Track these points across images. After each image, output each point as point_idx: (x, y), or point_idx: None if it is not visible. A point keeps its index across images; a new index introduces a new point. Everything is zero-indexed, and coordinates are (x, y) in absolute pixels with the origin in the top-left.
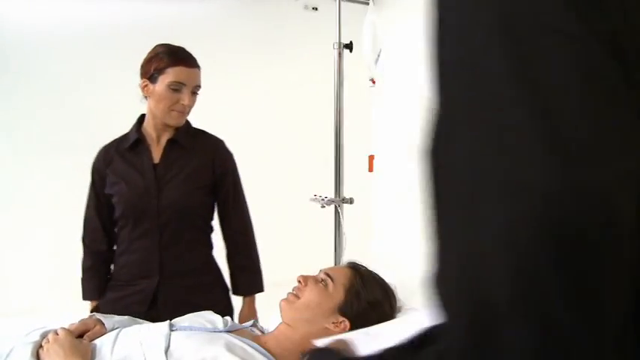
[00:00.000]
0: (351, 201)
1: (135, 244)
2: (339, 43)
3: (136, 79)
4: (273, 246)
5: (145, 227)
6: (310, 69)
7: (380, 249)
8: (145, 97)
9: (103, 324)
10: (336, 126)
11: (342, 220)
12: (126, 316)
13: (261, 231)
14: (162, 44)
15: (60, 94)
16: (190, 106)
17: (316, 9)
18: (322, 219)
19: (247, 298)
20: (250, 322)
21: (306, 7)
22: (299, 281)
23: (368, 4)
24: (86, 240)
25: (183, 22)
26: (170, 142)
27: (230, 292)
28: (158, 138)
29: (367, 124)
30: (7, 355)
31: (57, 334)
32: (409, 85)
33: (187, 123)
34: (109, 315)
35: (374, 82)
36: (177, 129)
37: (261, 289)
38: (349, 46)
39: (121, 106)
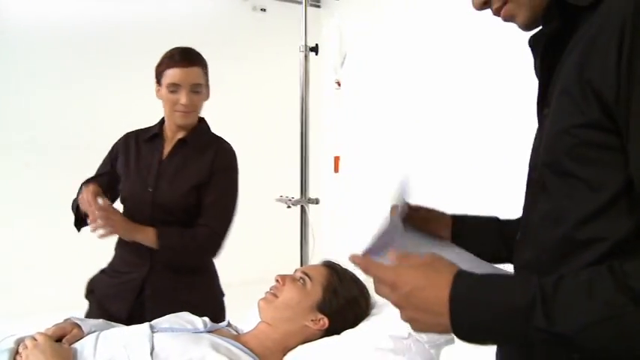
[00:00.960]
0: (316, 201)
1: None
2: (305, 45)
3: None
4: (241, 246)
5: (139, 219)
6: (273, 70)
7: (346, 248)
8: None
9: (80, 327)
10: (302, 127)
11: (308, 220)
12: (101, 320)
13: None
14: (174, 47)
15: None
16: (194, 105)
17: (264, 10)
18: (288, 219)
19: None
20: (225, 322)
21: (254, 9)
22: (277, 280)
23: (319, 7)
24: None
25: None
26: (180, 141)
27: (224, 297)
28: (173, 137)
29: (333, 125)
30: None
31: (35, 340)
32: (374, 87)
33: (204, 126)
34: (84, 319)
35: (339, 85)
36: (191, 130)
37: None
38: (315, 49)
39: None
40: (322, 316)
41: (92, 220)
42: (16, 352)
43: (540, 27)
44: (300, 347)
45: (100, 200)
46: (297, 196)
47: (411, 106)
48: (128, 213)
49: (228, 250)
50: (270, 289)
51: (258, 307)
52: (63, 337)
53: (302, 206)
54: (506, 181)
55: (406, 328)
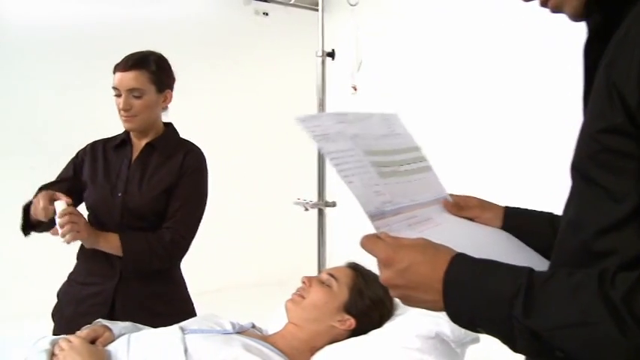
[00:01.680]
0: (333, 204)
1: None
2: (322, 50)
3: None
4: (259, 248)
5: (107, 227)
6: (288, 74)
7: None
8: None
9: (111, 330)
10: None
11: (325, 222)
12: (128, 323)
13: (246, 233)
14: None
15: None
16: (135, 110)
17: (267, 14)
18: (304, 222)
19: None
20: (250, 324)
21: (256, 13)
22: (303, 282)
23: (317, 10)
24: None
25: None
26: (147, 146)
27: (193, 305)
28: (138, 143)
29: None
30: None
31: (70, 342)
32: (390, 90)
33: (171, 130)
34: (113, 322)
35: (356, 90)
36: (157, 135)
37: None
38: (332, 54)
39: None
40: (349, 316)
41: (60, 226)
42: (52, 354)
43: None
44: (327, 347)
45: (63, 204)
46: (314, 199)
47: (425, 110)
48: (96, 220)
49: (246, 253)
50: (297, 291)
51: (286, 308)
52: (96, 340)
53: (319, 209)
54: (520, 189)
55: (433, 328)
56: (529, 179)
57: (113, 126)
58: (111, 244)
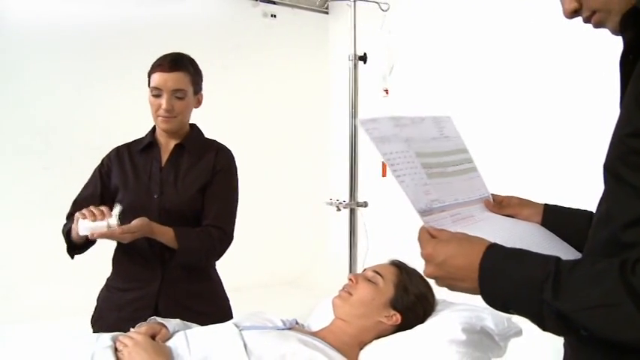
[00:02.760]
0: (365, 204)
1: (136, 246)
2: (355, 55)
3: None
4: (289, 246)
5: None
6: (303, 76)
7: (395, 248)
8: None
9: (167, 327)
10: (351, 134)
11: (356, 222)
12: (178, 320)
13: (277, 231)
14: (166, 53)
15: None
16: (176, 111)
17: (274, 16)
18: (334, 222)
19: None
20: (294, 320)
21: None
22: (350, 279)
23: (327, 13)
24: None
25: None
26: (177, 147)
27: (229, 303)
28: (167, 144)
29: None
30: None
31: (133, 338)
32: (420, 93)
33: (197, 131)
34: (166, 319)
35: (387, 93)
36: (185, 136)
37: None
38: (363, 58)
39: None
40: (395, 312)
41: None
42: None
43: None
44: (375, 342)
45: (114, 221)
46: (346, 199)
47: (455, 112)
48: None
49: (276, 251)
50: (344, 288)
51: (333, 304)
52: (154, 337)
53: (351, 209)
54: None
55: (477, 322)
56: (566, 181)
57: (125, 125)
58: (166, 236)
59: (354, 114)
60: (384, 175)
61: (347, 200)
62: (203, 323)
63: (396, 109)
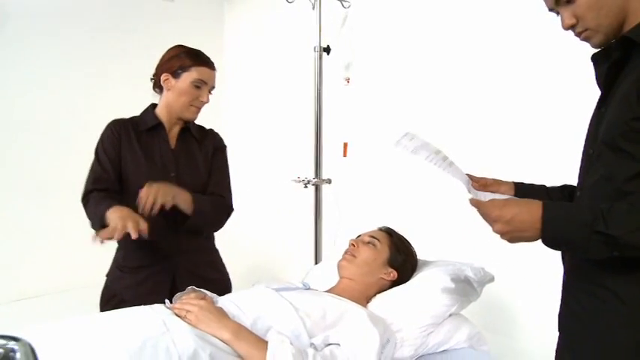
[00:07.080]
0: (329, 181)
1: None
2: (320, 46)
3: None
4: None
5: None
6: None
7: (359, 221)
8: (155, 90)
9: (206, 295)
10: (316, 117)
11: (321, 197)
12: (191, 286)
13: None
14: (180, 45)
15: None
16: (205, 104)
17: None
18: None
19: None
20: (307, 283)
21: None
22: (352, 244)
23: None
24: (94, 189)
25: None
26: (183, 130)
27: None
28: (170, 127)
29: (342, 116)
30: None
31: (194, 304)
32: (380, 82)
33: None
34: (199, 289)
35: (348, 82)
36: (186, 122)
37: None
38: (327, 50)
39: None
40: (392, 269)
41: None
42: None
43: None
44: (379, 295)
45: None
46: (311, 177)
47: (413, 100)
48: None
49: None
50: (347, 252)
51: (340, 266)
52: None
53: (317, 185)
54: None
55: (460, 273)
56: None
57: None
58: (184, 195)
59: (318, 100)
60: (344, 155)
61: (313, 178)
62: (211, 289)
63: (359, 98)
